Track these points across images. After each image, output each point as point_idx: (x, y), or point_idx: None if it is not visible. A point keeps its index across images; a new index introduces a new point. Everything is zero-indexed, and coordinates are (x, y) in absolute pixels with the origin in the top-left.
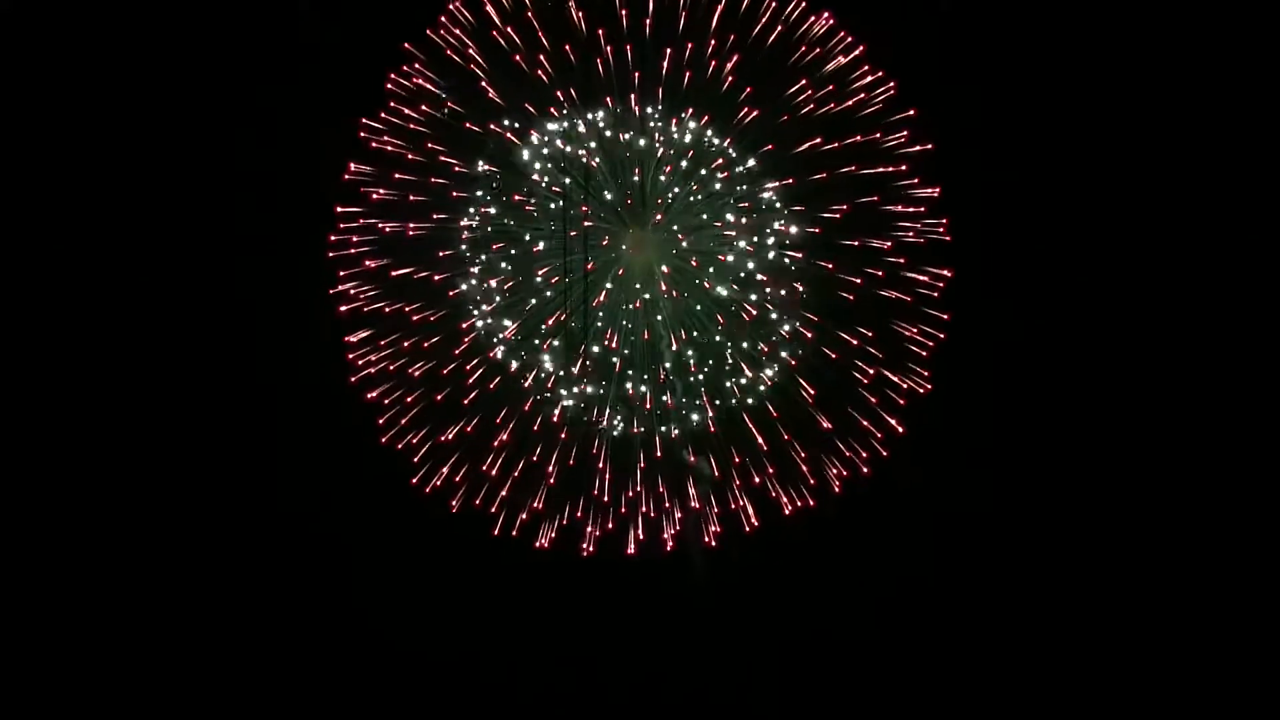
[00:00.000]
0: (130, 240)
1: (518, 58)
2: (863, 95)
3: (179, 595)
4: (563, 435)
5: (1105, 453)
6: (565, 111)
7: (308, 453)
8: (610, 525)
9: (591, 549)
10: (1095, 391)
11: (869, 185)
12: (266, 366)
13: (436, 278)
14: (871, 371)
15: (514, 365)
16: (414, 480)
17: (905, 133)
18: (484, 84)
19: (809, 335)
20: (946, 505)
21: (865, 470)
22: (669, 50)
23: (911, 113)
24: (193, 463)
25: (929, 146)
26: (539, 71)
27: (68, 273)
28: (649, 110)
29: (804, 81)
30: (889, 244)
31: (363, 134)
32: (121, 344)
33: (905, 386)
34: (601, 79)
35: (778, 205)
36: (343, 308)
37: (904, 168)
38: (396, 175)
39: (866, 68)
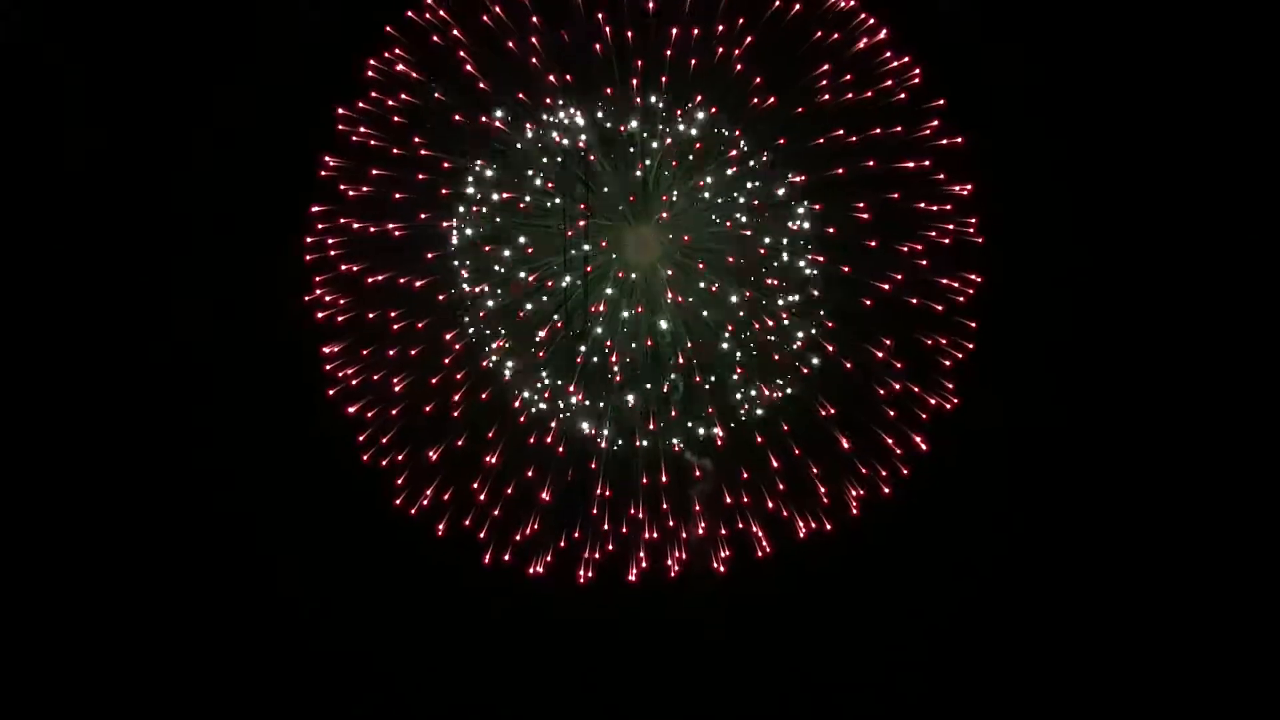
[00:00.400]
0: (84, 243)
1: (510, 43)
2: (887, 83)
3: (143, 641)
4: (560, 451)
5: (1149, 477)
6: (561, 102)
7: (282, 473)
8: (610, 549)
9: (590, 575)
10: (1138, 410)
11: (892, 181)
12: (235, 380)
13: (420, 282)
14: (895, 385)
15: (507, 375)
16: (397, 502)
17: (935, 122)
18: (469, 68)
19: (830, 347)
20: (972, 530)
21: (885, 491)
22: (674, 33)
23: (940, 102)
24: (150, 487)
25: (959, 140)
26: (532, 58)
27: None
28: (652, 99)
29: (825, 68)
30: (913, 246)
31: (340, 126)
32: (77, 354)
33: (930, 401)
34: (601, 66)
35: (792, 203)
36: (319, 315)
37: (928, 163)
38: (376, 171)
39: (890, 53)
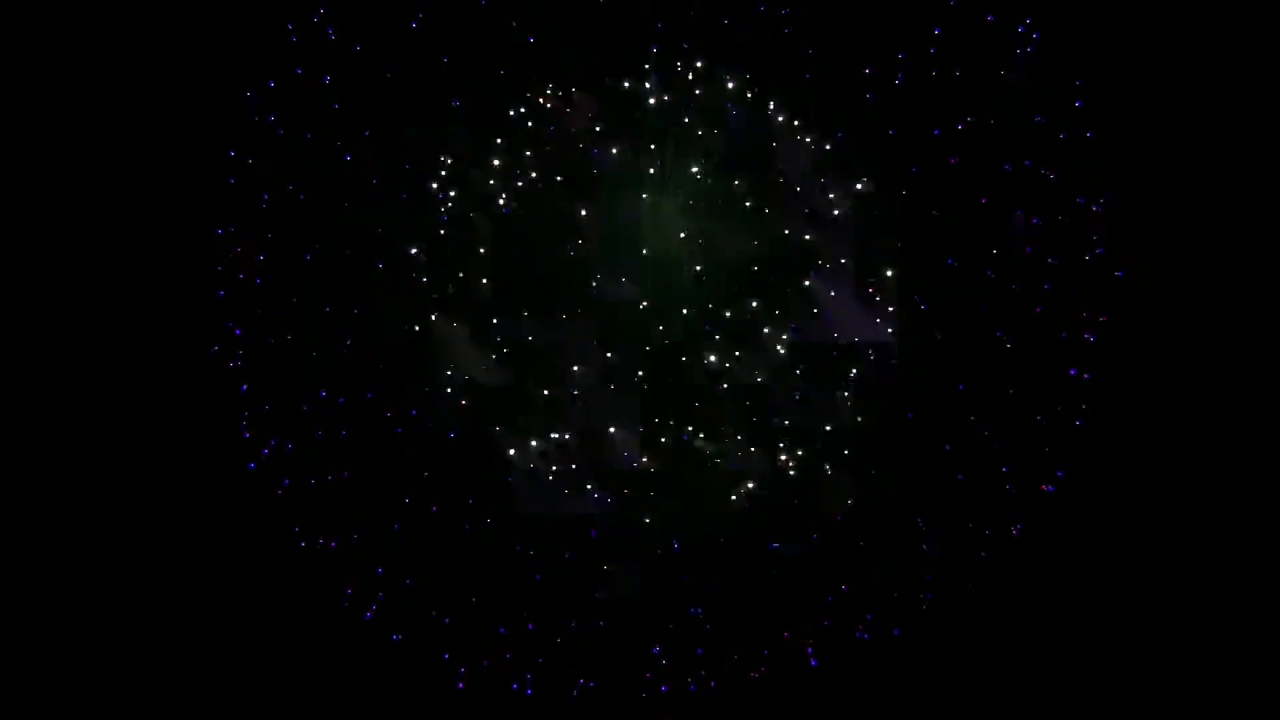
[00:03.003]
0: None
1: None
2: (992, 55)
3: None
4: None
5: None
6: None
7: (198, 564)
8: (616, 653)
9: (589, 685)
10: None
11: (995, 187)
12: (133, 453)
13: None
14: (977, 452)
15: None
16: (345, 604)
17: (1079, 105)
18: (417, 20)
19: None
20: (1082, 637)
21: (970, 584)
22: None
23: (1078, 83)
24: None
25: (1089, 134)
26: (512, 20)
27: None
28: (677, 68)
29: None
30: (1011, 270)
31: (254, 116)
32: None
33: (1025, 475)
34: (610, 26)
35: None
36: (231, 365)
37: (1031, 164)
38: (307, 169)
39: (993, 17)
